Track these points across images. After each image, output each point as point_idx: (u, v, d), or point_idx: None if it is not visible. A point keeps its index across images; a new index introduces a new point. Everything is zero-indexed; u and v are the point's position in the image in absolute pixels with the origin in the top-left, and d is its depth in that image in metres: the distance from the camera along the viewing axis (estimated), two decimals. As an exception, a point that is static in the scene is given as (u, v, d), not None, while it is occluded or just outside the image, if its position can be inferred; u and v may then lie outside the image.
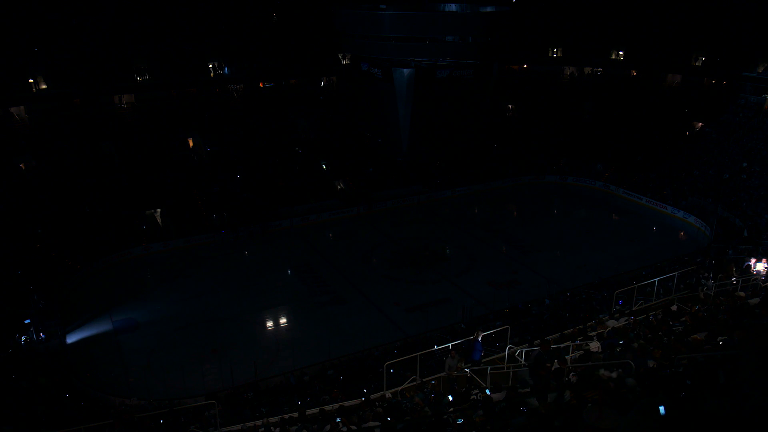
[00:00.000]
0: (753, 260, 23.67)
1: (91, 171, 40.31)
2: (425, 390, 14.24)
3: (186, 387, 23.38)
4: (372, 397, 15.14)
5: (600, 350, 13.11)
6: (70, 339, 27.65)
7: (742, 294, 15.89)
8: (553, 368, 12.15)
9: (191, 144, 45.65)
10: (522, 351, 15.47)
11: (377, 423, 11.37)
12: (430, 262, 35.83)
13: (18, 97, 40.93)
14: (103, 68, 43.65)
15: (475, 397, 12.17)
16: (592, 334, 15.68)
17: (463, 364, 14.93)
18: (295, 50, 51.18)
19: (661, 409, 4.74)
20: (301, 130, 49.47)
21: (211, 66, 48.51)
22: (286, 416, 14.69)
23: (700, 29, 50.34)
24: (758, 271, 21.32)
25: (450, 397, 12.68)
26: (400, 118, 46.59)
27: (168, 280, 34.16)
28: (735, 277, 19.92)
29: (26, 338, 25.79)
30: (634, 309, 18.77)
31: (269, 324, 30.01)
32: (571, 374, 11.28)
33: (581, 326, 17.37)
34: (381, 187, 45.84)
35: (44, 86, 41.64)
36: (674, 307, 16.61)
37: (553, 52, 57.55)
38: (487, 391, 12.24)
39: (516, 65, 58.83)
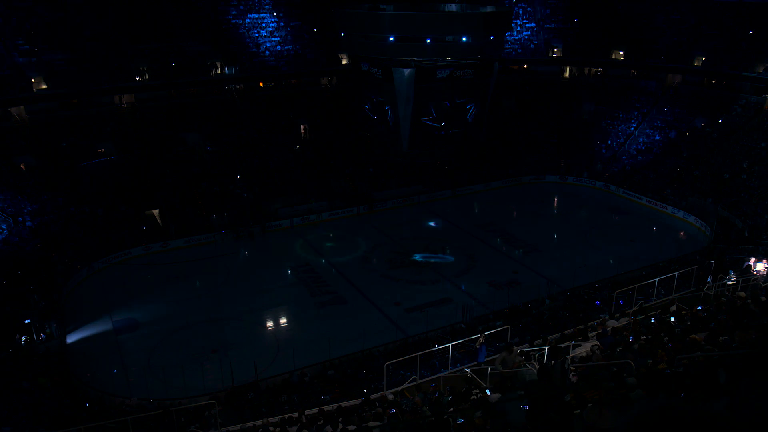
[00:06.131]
0: (753, 260, 23.69)
1: (92, 171, 40.26)
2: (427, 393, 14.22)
3: (186, 387, 23.38)
4: (372, 397, 15.15)
5: (598, 350, 13.08)
6: (70, 339, 27.63)
7: (743, 294, 15.85)
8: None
9: (191, 144, 45.57)
10: (521, 351, 15.46)
11: (377, 423, 11.37)
12: (430, 262, 35.83)
13: (18, 97, 40.89)
14: (103, 68, 43.65)
15: (474, 397, 12.18)
16: (593, 334, 15.67)
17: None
18: (294, 50, 51.13)
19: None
20: (301, 130, 49.44)
21: (211, 65, 48.43)
22: (286, 416, 14.70)
23: (700, 29, 50.30)
24: (758, 271, 21.32)
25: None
26: (400, 118, 46.57)
27: (168, 280, 34.07)
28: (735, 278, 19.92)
29: (26, 338, 25.79)
30: (634, 309, 18.76)
31: (269, 324, 30.01)
32: (571, 374, 11.25)
33: (581, 326, 17.36)
34: (381, 187, 45.80)
35: (44, 86, 41.62)
36: (674, 307, 16.59)
37: (553, 52, 57.51)
38: (488, 391, 12.24)
39: (516, 65, 58.79)
